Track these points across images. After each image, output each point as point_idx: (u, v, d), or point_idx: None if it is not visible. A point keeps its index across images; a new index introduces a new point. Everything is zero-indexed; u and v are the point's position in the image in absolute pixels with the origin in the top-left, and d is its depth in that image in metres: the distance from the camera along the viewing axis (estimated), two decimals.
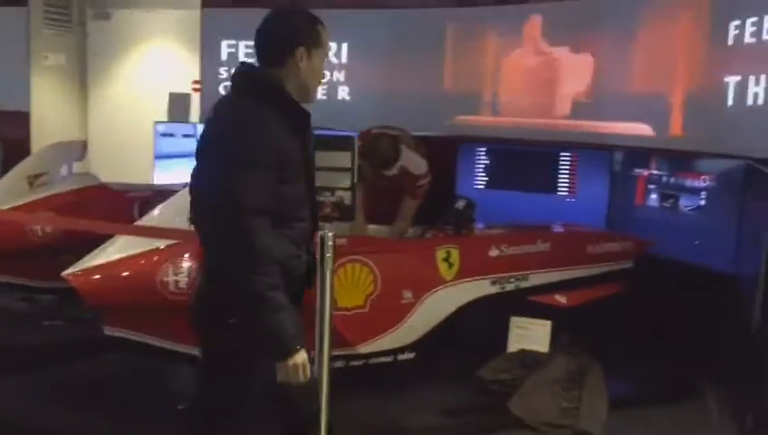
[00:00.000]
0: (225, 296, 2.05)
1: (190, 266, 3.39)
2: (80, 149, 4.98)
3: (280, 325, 1.99)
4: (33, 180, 4.54)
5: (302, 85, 2.18)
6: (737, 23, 4.27)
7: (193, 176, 2.20)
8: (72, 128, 7.73)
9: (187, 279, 3.38)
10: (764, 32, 4.04)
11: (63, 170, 4.80)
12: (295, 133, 2.11)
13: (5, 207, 4.33)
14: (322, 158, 4.05)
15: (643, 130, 5.03)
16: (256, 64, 2.21)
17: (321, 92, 6.77)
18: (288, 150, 2.08)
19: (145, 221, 3.66)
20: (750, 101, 4.16)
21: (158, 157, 6.29)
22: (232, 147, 2.00)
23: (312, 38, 2.17)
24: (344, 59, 6.65)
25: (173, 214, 3.61)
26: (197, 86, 7.06)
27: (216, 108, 2.19)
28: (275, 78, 2.14)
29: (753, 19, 4.12)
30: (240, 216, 1.96)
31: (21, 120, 7.31)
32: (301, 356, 2.03)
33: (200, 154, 2.15)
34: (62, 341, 4.43)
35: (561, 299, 4.07)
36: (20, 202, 4.43)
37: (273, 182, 2.03)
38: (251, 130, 2.03)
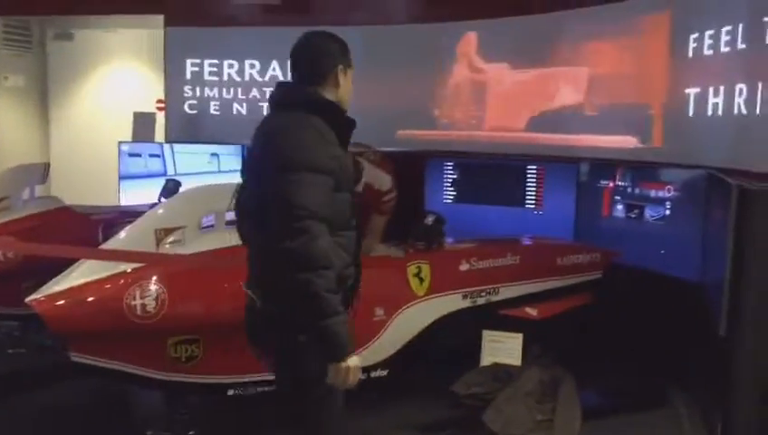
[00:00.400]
0: (288, 306, 2.09)
1: (157, 289, 3.34)
2: (42, 171, 4.87)
3: (338, 328, 2.05)
4: None
5: (338, 101, 2.31)
6: (696, 35, 4.37)
7: (243, 195, 2.30)
8: (33, 150, 7.60)
9: (154, 303, 3.32)
10: (722, 44, 4.13)
11: (25, 194, 4.70)
12: (342, 143, 2.23)
13: None
14: None
15: (615, 142, 5.10)
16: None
17: None
18: (340, 159, 2.18)
19: (110, 244, 3.59)
20: (710, 112, 4.25)
21: (124, 177, 6.20)
22: (291, 155, 2.09)
23: (346, 58, 2.34)
24: None
25: (139, 236, 3.57)
26: (162, 105, 7.00)
27: (264, 125, 2.28)
28: (320, 93, 2.27)
29: (711, 32, 4.21)
30: (301, 219, 2.03)
31: None
32: (354, 360, 2.10)
33: (253, 171, 2.24)
34: (26, 369, 4.32)
35: (531, 312, 4.09)
36: None
37: (330, 189, 2.12)
38: (309, 139, 2.12)
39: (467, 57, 5.98)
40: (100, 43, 7.70)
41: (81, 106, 7.80)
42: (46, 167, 4.94)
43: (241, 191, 2.34)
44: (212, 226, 3.73)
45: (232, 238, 3.63)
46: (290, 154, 2.09)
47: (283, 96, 2.31)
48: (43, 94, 7.83)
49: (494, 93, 5.88)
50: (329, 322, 2.04)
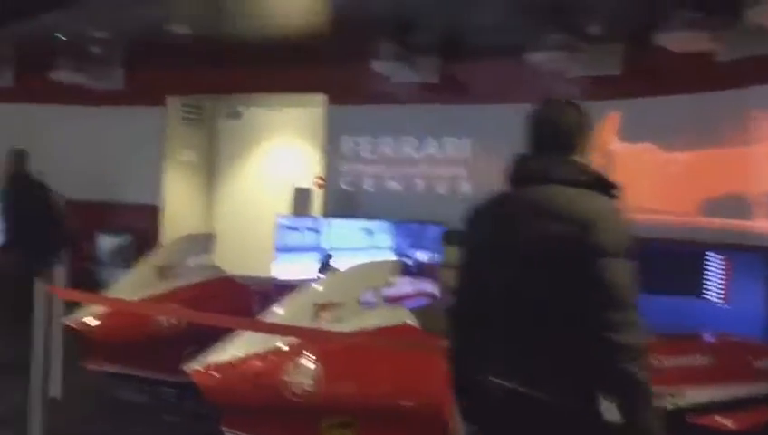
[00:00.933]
0: (593, 397, 1.91)
1: (314, 367, 3.22)
2: (209, 241, 5.03)
3: (656, 419, 1.90)
4: (162, 272, 4.58)
5: None
6: None
7: (480, 275, 2.08)
8: (198, 220, 8.00)
9: (310, 381, 3.20)
10: None
11: (191, 262, 4.84)
12: None
13: (135, 297, 4.37)
14: (453, 254, 3.88)
15: None
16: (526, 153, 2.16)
17: (443, 188, 6.69)
18: None
19: (269, 317, 3.55)
20: None
21: (280, 250, 6.30)
22: (613, 240, 1.92)
23: (591, 128, 2.17)
24: (467, 153, 6.56)
25: (297, 310, 3.50)
26: (320, 181, 7.15)
27: (540, 203, 2.03)
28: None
29: None
30: (631, 309, 1.88)
31: (152, 213, 7.66)
32: None
33: (522, 252, 2.00)
34: None
35: (725, 422, 3.56)
36: (149, 293, 4.46)
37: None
38: (621, 221, 1.97)
39: (609, 137, 5.66)
40: (266, 120, 8.07)
41: (244, 180, 8.16)
42: (212, 237, 5.09)
43: (511, 279, 2.07)
44: (372, 303, 3.60)
45: (392, 317, 3.54)
46: (612, 239, 1.91)
47: (551, 169, 2.06)
48: (211, 168, 8.28)
49: (657, 174, 5.48)
50: (649, 412, 1.87)
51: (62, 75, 7.00)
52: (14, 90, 7.63)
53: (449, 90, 6.50)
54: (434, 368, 3.26)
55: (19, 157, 5.64)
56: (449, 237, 3.91)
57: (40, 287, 3.58)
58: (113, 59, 7.14)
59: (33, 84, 7.56)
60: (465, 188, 6.56)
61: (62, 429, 3.76)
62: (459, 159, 6.58)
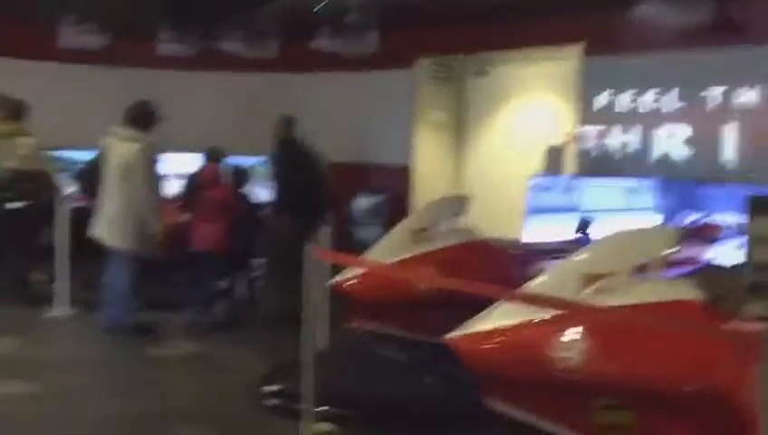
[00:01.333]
0: None
1: (583, 343, 2.99)
2: (463, 203, 4.96)
3: None
4: (417, 234, 4.61)
5: None
6: None
7: None
8: (447, 181, 8.02)
9: (580, 357, 2.97)
10: None
11: (445, 225, 4.80)
12: None
13: (392, 259, 4.45)
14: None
15: None
16: None
17: (716, 144, 5.94)
18: None
19: (532, 286, 3.37)
20: None
21: (532, 211, 6.05)
22: None
23: None
24: (752, 103, 5.73)
25: (562, 280, 3.29)
26: (573, 137, 6.74)
27: None
28: None
29: None
30: None
31: (404, 173, 7.83)
32: None
33: None
34: (439, 400, 4.32)
35: None
36: (405, 256, 4.51)
37: None
38: None
39: None
40: (515, 77, 7.79)
41: (492, 139, 7.99)
42: (466, 199, 5.01)
43: None
44: (646, 274, 3.26)
45: (672, 291, 3.17)
46: None
47: None
48: (459, 128, 8.23)
49: None
50: None
51: (322, 44, 7.34)
52: (278, 60, 8.18)
53: (727, 31, 5.71)
54: (721, 350, 2.87)
55: (287, 123, 6.02)
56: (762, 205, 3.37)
57: (309, 250, 3.76)
58: (368, 24, 7.32)
59: (295, 53, 8.05)
60: (747, 143, 5.76)
61: (329, 380, 3.94)
62: (742, 109, 5.77)
